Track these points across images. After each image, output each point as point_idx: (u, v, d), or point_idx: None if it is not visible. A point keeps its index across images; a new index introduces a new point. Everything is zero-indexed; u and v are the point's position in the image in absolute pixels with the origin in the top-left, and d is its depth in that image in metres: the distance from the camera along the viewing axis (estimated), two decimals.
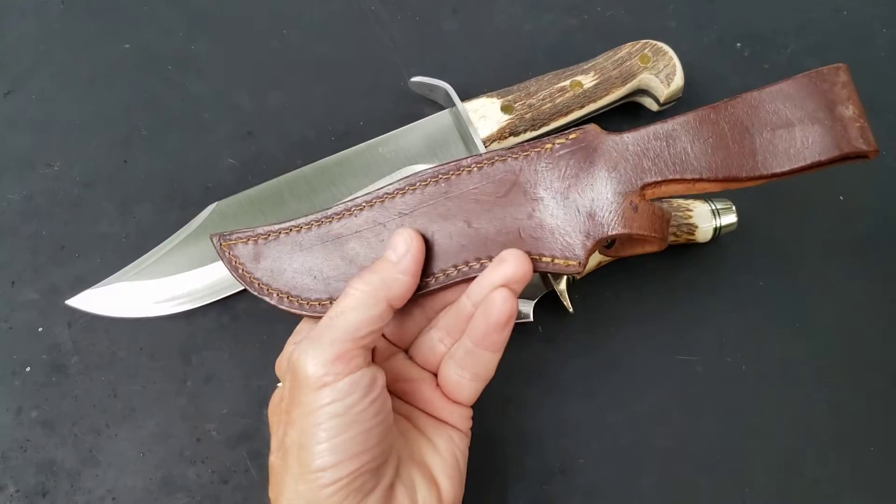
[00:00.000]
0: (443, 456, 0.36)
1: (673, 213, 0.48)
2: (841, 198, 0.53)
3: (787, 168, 0.31)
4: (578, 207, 0.33)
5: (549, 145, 0.34)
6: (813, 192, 0.53)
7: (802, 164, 0.31)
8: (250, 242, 0.35)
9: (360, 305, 0.32)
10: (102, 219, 0.50)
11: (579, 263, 0.33)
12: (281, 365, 0.37)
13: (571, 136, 0.34)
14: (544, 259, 0.34)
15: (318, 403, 0.31)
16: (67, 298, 0.47)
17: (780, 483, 0.45)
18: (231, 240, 0.36)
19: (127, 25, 0.57)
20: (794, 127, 0.31)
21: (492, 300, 0.32)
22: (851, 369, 0.48)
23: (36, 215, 0.50)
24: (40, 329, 0.47)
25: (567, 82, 0.50)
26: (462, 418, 0.37)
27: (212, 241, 0.36)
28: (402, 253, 0.33)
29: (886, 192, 0.53)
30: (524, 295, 0.45)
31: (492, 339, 0.33)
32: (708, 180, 0.33)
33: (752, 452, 0.45)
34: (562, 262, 0.33)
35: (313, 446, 0.30)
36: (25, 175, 0.51)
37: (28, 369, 0.46)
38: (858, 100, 0.30)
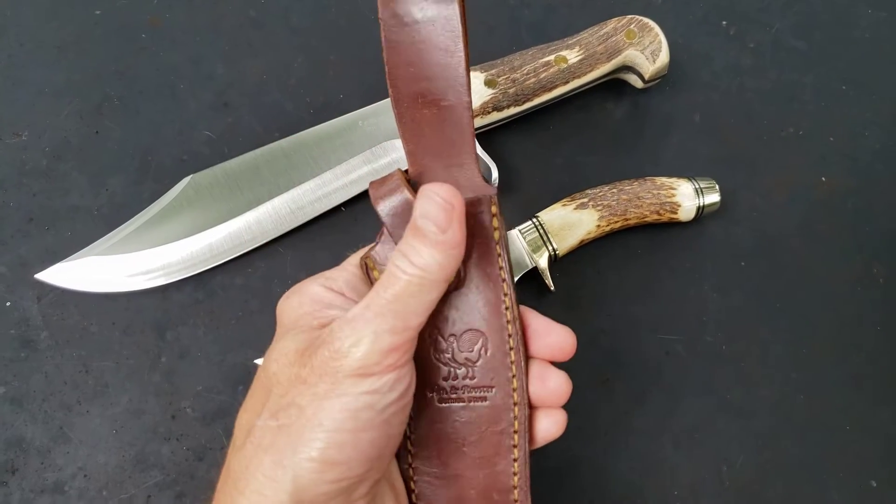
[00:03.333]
0: None
1: (656, 192, 0.47)
2: (823, 179, 0.53)
3: None
4: None
5: None
6: (795, 172, 0.53)
7: None
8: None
9: (418, 292, 0.29)
10: (73, 191, 0.49)
11: None
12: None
13: None
14: None
15: (354, 389, 0.28)
16: (37, 272, 0.45)
17: (758, 462, 0.45)
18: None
19: None
20: None
21: None
22: (829, 350, 0.48)
23: (2, 186, 0.48)
24: (8, 303, 0.46)
25: (551, 57, 0.49)
26: None
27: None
28: (445, 225, 0.29)
29: (868, 174, 0.53)
30: None
31: None
32: None
33: (730, 431, 0.45)
34: None
35: (325, 435, 0.27)
36: None
37: None
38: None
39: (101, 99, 0.51)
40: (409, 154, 0.34)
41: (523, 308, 0.34)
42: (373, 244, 0.33)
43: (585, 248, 0.48)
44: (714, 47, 0.57)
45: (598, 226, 0.47)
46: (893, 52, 0.58)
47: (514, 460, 0.33)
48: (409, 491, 0.33)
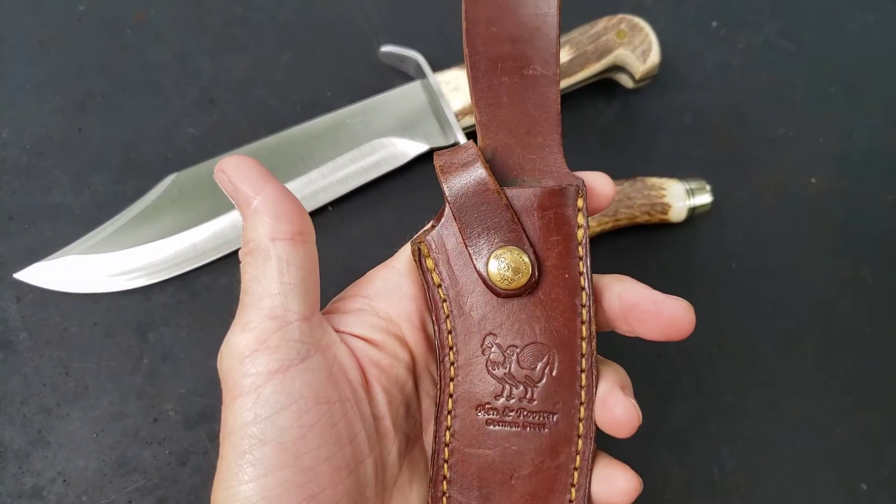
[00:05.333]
0: None
1: (646, 192, 0.47)
2: (813, 180, 0.53)
3: None
4: None
5: None
6: (785, 173, 0.53)
7: None
8: None
9: (263, 270, 0.26)
10: (54, 189, 0.48)
11: None
12: None
13: None
14: None
15: (238, 420, 0.25)
16: (16, 272, 0.44)
17: (749, 464, 0.44)
18: None
19: None
20: None
21: None
22: (819, 352, 0.48)
23: None
24: None
25: None
26: None
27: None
28: (232, 192, 0.27)
29: (857, 175, 0.53)
30: None
31: None
32: None
33: (720, 433, 0.45)
34: None
35: (237, 486, 0.24)
36: None
37: None
38: None
39: (84, 95, 0.50)
40: (482, 126, 0.29)
41: (625, 280, 0.29)
42: (427, 227, 0.29)
43: None
44: (705, 48, 0.57)
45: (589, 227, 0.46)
46: (882, 54, 0.58)
47: (571, 501, 0.28)
48: None
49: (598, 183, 0.29)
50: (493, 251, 0.28)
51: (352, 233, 0.48)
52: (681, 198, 0.47)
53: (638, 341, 0.47)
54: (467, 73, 0.30)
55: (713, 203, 0.48)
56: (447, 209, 0.28)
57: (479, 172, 0.27)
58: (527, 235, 0.28)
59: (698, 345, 0.47)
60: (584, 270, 0.28)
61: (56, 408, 0.43)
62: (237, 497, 0.24)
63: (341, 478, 0.26)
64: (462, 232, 0.28)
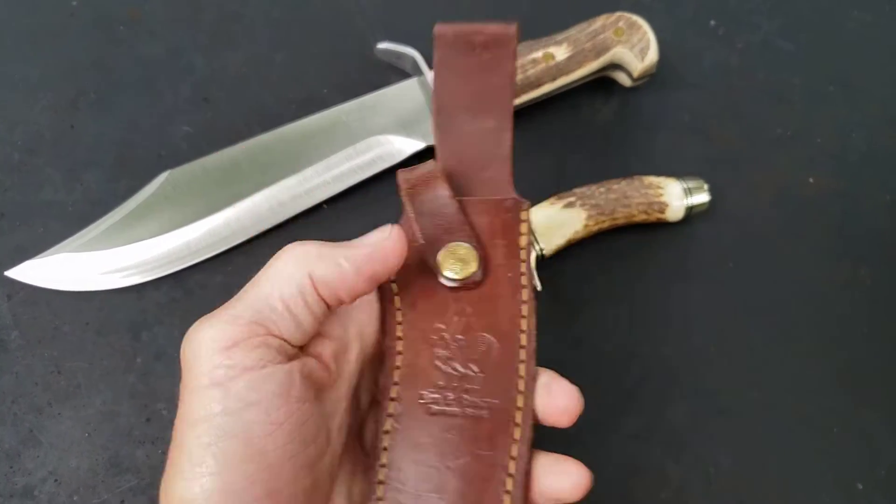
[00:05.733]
0: None
1: (644, 191, 0.47)
2: (811, 180, 0.52)
3: None
4: None
5: None
6: (783, 173, 0.52)
7: None
8: None
9: (283, 288, 0.27)
10: (46, 186, 0.47)
11: None
12: None
13: None
14: None
15: (205, 410, 0.24)
16: (7, 269, 0.44)
17: (745, 464, 0.44)
18: None
19: None
20: None
21: None
22: (816, 351, 0.47)
23: None
24: None
25: (539, 53, 0.48)
26: None
27: None
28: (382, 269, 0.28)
29: (855, 175, 0.53)
30: None
31: None
32: None
33: (717, 433, 0.45)
34: None
35: (199, 477, 0.24)
36: None
37: None
38: None
39: (77, 92, 0.50)
40: (441, 159, 0.34)
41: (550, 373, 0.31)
42: None
43: (573, 249, 0.47)
44: (703, 47, 0.56)
45: (586, 225, 0.46)
46: (880, 54, 0.57)
47: (507, 492, 0.28)
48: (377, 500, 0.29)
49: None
50: (445, 245, 0.31)
51: (347, 231, 0.47)
52: (678, 197, 0.47)
53: (634, 340, 0.47)
54: (433, 120, 0.35)
55: (711, 202, 0.48)
56: (406, 209, 0.32)
57: (437, 182, 0.32)
58: (476, 235, 0.32)
59: (694, 344, 0.47)
60: (526, 272, 0.32)
61: (48, 407, 0.42)
62: (192, 489, 0.24)
63: (302, 475, 0.26)
64: (419, 231, 0.32)
